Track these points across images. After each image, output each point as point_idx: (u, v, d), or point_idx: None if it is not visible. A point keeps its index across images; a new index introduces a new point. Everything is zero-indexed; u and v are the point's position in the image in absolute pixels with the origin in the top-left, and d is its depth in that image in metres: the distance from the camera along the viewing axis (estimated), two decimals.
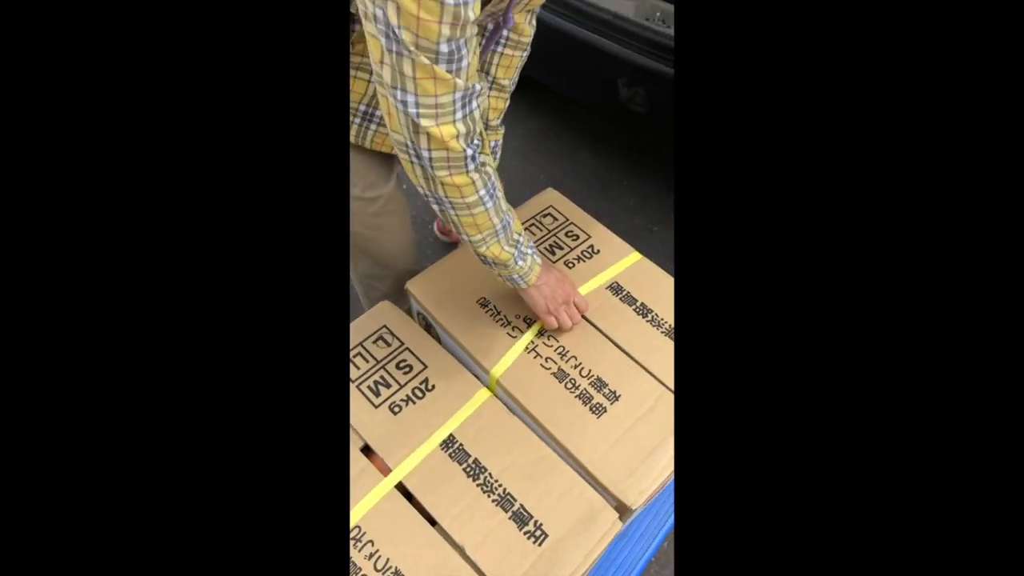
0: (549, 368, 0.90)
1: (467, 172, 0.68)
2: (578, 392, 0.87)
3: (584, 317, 0.95)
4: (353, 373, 0.89)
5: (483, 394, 0.87)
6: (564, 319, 0.90)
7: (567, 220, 1.11)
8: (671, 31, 1.29)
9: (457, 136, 0.64)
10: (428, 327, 1.01)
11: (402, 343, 0.92)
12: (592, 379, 0.88)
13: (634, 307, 0.97)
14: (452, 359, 0.91)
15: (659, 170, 1.86)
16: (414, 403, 0.86)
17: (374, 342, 0.92)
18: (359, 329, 0.94)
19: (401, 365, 0.90)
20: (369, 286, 1.17)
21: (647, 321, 0.95)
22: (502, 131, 1.07)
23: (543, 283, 0.88)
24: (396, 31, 0.55)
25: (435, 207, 0.73)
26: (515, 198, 1.00)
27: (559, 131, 1.96)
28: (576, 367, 0.90)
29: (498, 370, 0.89)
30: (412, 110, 0.60)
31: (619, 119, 1.71)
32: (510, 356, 0.90)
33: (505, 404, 0.89)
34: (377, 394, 0.87)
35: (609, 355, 0.92)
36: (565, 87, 1.66)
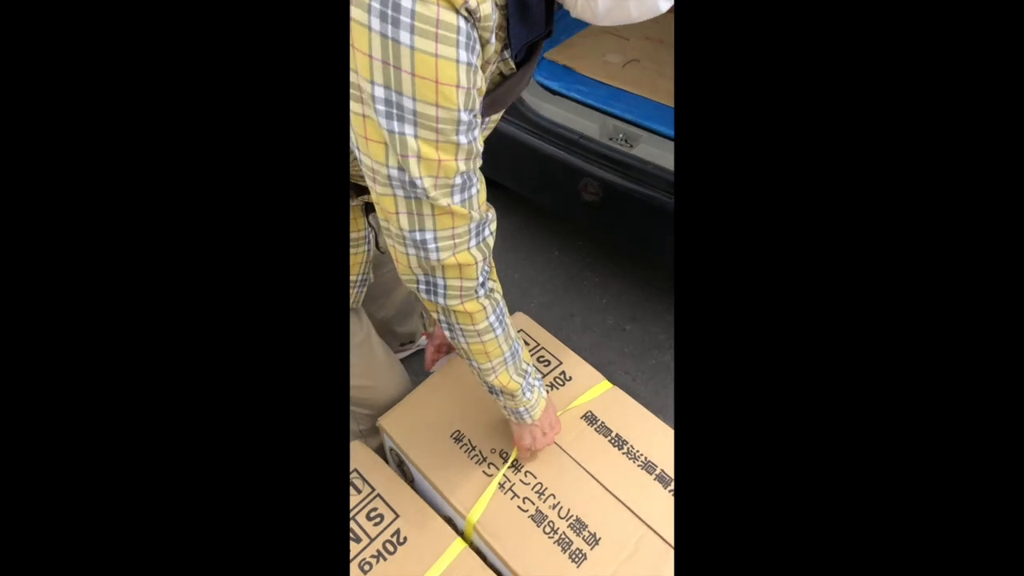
0: (527, 510, 0.88)
1: (477, 299, 0.69)
2: (557, 537, 0.85)
3: (561, 448, 0.94)
4: None
5: (457, 546, 0.84)
6: (538, 452, 0.89)
7: (538, 344, 1.12)
8: (632, 151, 1.34)
9: (474, 263, 0.66)
10: (401, 464, 0.98)
11: (373, 489, 0.89)
12: (571, 520, 0.87)
13: (609, 438, 0.96)
14: (425, 505, 0.89)
15: (629, 268, 1.90)
16: (385, 559, 0.83)
17: None
18: None
19: (372, 515, 0.87)
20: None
21: (623, 453, 0.95)
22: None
23: (543, 422, 0.87)
24: (417, 181, 0.57)
25: (447, 333, 0.74)
26: None
27: (531, 230, 2.00)
28: (554, 507, 0.88)
29: (474, 515, 0.87)
30: (431, 245, 0.63)
31: (586, 218, 1.76)
32: (485, 497, 0.88)
33: (480, 551, 0.86)
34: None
35: (588, 490, 0.90)
36: (533, 193, 1.71)
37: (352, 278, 0.92)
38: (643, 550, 0.83)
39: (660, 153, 1.33)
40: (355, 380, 0.95)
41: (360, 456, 0.93)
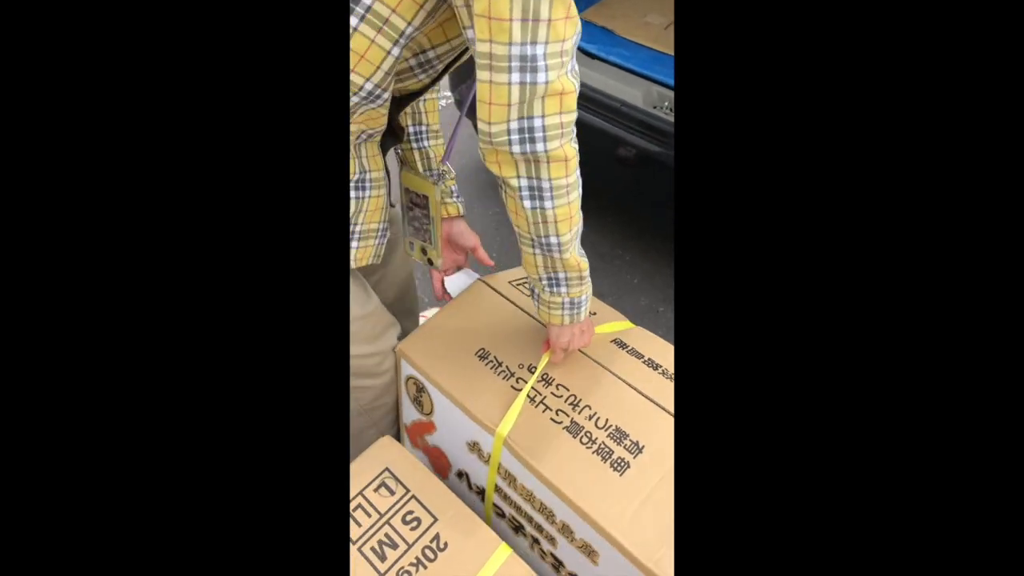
0: (560, 422, 0.79)
1: (573, 142, 0.64)
2: (595, 447, 0.76)
3: (593, 359, 0.86)
4: (354, 531, 0.78)
5: (503, 552, 0.77)
6: (571, 353, 0.85)
7: None
8: None
9: (573, 91, 0.61)
10: (420, 392, 0.90)
11: (407, 490, 0.82)
12: (610, 430, 0.77)
13: (643, 360, 0.88)
14: (464, 507, 0.81)
15: (660, 247, 1.80)
16: (424, 567, 0.76)
17: (375, 490, 0.82)
18: (358, 474, 0.83)
19: (408, 519, 0.79)
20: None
21: (659, 373, 0.86)
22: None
23: (585, 323, 0.82)
24: (540, 52, 0.56)
25: (529, 205, 0.67)
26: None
27: None
28: (591, 417, 0.79)
29: (504, 428, 0.78)
30: (541, 63, 0.58)
31: (618, 195, 1.66)
32: (514, 410, 0.79)
33: (511, 472, 0.79)
34: (383, 557, 0.76)
35: (626, 400, 0.81)
36: None
37: (372, 225, 0.84)
38: None
39: None
40: (363, 348, 0.87)
41: (391, 453, 0.86)
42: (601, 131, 1.31)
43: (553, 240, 0.71)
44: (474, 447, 0.85)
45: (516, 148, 0.61)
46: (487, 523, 0.89)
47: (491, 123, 0.60)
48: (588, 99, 1.29)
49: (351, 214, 0.82)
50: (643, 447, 0.76)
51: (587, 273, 0.78)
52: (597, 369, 0.85)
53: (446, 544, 0.77)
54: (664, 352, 0.90)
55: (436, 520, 0.79)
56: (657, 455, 0.75)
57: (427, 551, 0.77)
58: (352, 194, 0.80)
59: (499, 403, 0.81)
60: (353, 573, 0.74)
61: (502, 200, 0.72)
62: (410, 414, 0.98)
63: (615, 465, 0.75)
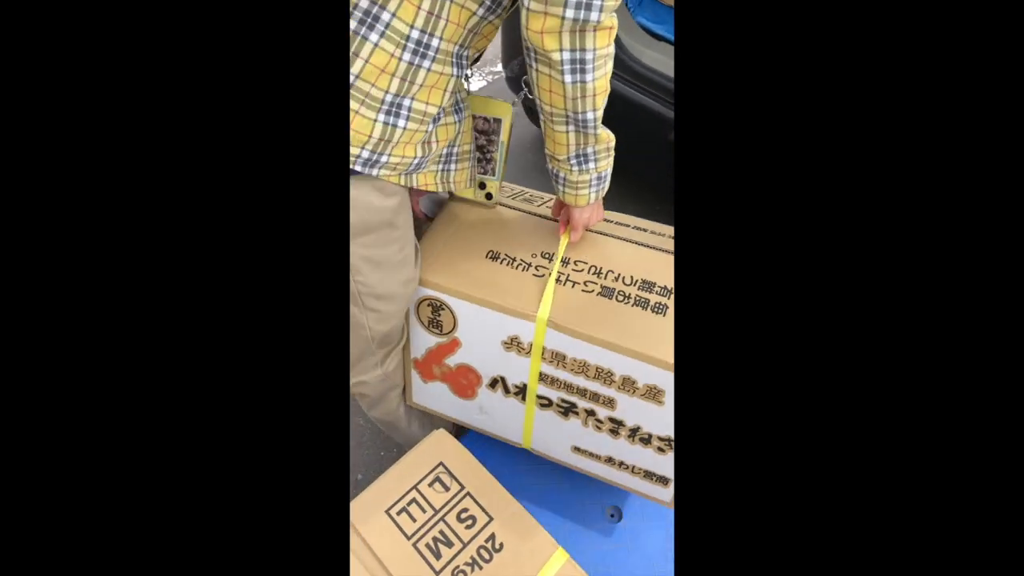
0: (592, 291, 0.81)
1: (614, 14, 0.64)
2: (632, 301, 0.80)
3: (604, 233, 0.89)
4: (409, 527, 0.77)
5: (560, 557, 0.76)
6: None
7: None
8: None
9: None
10: (437, 311, 0.89)
11: (462, 487, 0.81)
12: (638, 283, 0.82)
13: (630, 226, 0.94)
14: (520, 508, 0.80)
15: None
16: (480, 567, 0.75)
17: (430, 485, 0.81)
18: (412, 467, 0.82)
19: (463, 517, 0.78)
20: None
21: (648, 232, 0.91)
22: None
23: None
24: None
25: (572, 79, 0.65)
26: None
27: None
28: (617, 279, 0.82)
29: (543, 312, 0.80)
30: None
31: (661, 178, 1.60)
32: (548, 294, 0.81)
33: (560, 351, 0.81)
34: (438, 555, 0.75)
35: (639, 256, 0.85)
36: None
37: (466, 147, 0.82)
38: None
39: None
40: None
41: (446, 447, 0.84)
42: (665, 121, 1.25)
43: (589, 115, 0.70)
44: (512, 343, 0.85)
45: (570, 13, 0.60)
46: (529, 421, 0.92)
47: None
48: (652, 83, 1.23)
49: (452, 137, 0.78)
50: (671, 289, 0.81)
51: (612, 144, 0.77)
52: (601, 238, 0.88)
53: (502, 545, 0.76)
54: (644, 222, 0.94)
55: (491, 520, 0.78)
56: (670, 280, 0.82)
57: (483, 551, 0.76)
58: (453, 118, 0.77)
59: (529, 292, 0.82)
60: (409, 570, 0.74)
61: (531, 87, 0.71)
62: (423, 344, 0.93)
63: (655, 310, 0.79)
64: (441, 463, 0.83)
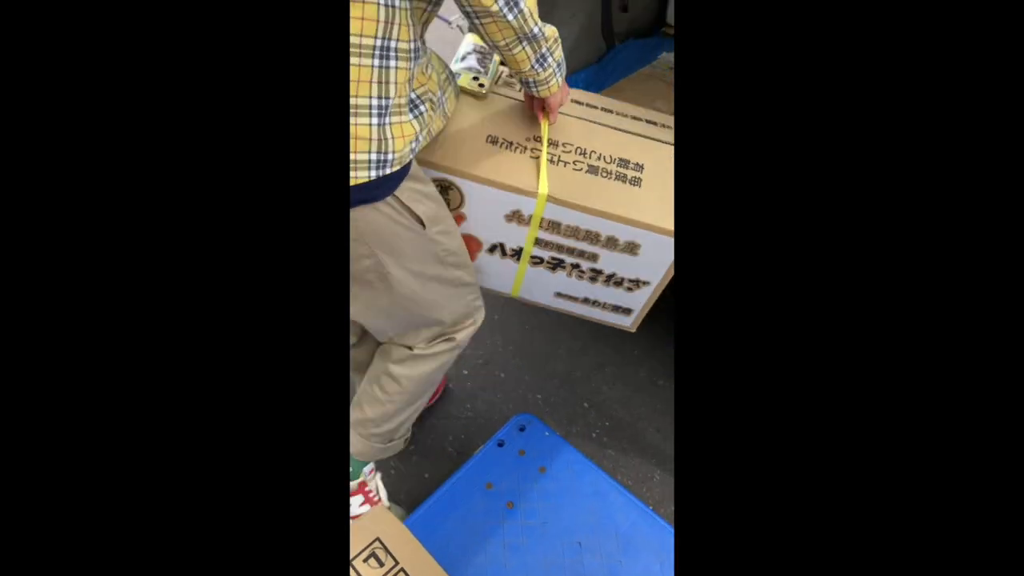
0: (581, 169, 0.98)
1: None
2: (613, 176, 0.98)
3: (581, 118, 1.06)
4: None
5: None
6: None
7: None
8: None
9: None
10: (446, 190, 0.99)
11: (396, 562, 0.83)
12: (616, 161, 1.00)
13: (597, 108, 1.09)
14: None
15: (663, 320, 1.83)
16: None
17: (365, 560, 0.83)
18: (349, 543, 0.85)
19: None
20: None
21: (615, 115, 1.09)
22: None
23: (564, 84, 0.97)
24: None
25: (511, 17, 0.79)
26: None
27: None
28: (599, 157, 1.00)
29: (543, 188, 0.95)
30: None
31: None
32: (544, 173, 0.96)
33: (557, 221, 0.98)
34: None
35: (612, 137, 1.03)
36: None
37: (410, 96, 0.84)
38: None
39: None
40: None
41: (383, 525, 0.87)
42: None
43: (535, 29, 0.83)
44: (514, 216, 1.00)
45: None
46: (520, 276, 1.12)
47: None
48: None
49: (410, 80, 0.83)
50: (642, 164, 1.01)
51: (557, 33, 0.89)
52: (578, 123, 1.05)
53: None
54: (610, 103, 1.12)
55: None
56: (655, 166, 1.01)
57: None
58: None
59: (528, 172, 0.97)
60: None
61: (481, 36, 0.84)
62: None
63: (632, 183, 0.99)
64: (377, 538, 0.86)
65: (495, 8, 0.77)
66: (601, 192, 0.96)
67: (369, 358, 1.11)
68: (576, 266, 1.07)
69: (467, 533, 1.05)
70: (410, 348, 1.02)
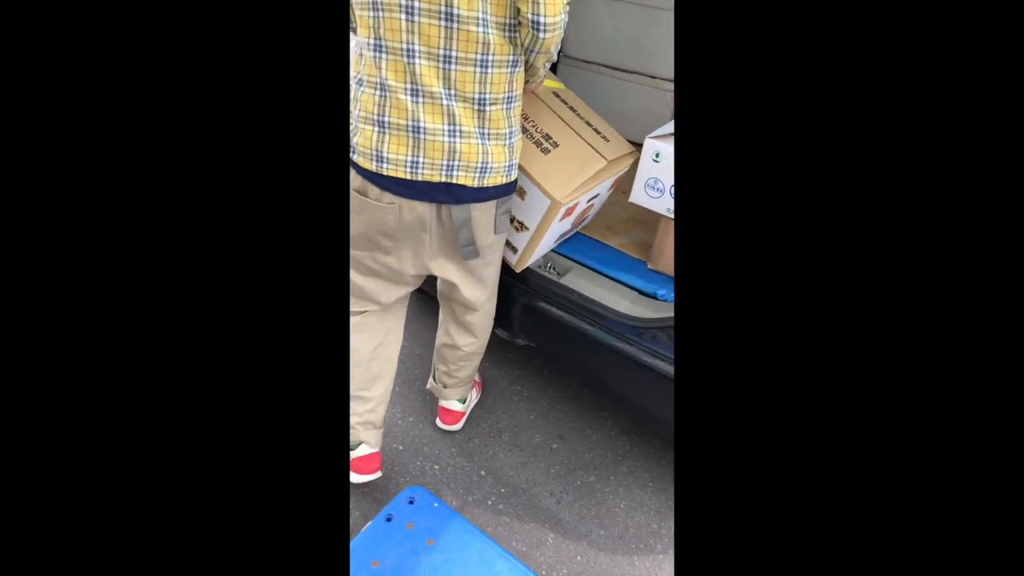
0: (533, 138, 1.28)
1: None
2: (534, 142, 1.26)
3: (552, 109, 1.33)
4: None
5: None
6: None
7: None
8: (561, 279, 1.40)
9: None
10: None
11: None
12: (541, 133, 1.28)
13: (559, 98, 1.38)
14: None
15: (558, 385, 1.92)
16: None
17: None
18: None
19: None
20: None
21: (567, 107, 1.37)
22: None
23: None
24: None
25: (543, 62, 1.10)
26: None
27: None
28: (537, 129, 1.28)
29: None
30: None
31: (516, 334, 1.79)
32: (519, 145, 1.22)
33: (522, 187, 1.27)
34: None
35: (555, 123, 1.30)
36: None
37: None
38: (584, 154, 1.29)
39: (586, 284, 1.39)
40: None
41: None
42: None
43: (555, 50, 1.07)
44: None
45: (544, 60, 1.11)
46: None
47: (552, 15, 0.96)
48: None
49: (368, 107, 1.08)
50: (558, 144, 1.27)
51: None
52: (547, 110, 1.33)
53: None
54: (579, 105, 1.39)
55: None
56: (565, 150, 1.27)
57: None
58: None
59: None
60: None
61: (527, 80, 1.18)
62: None
63: (543, 151, 1.26)
64: None
65: (538, 63, 1.09)
66: (528, 155, 1.24)
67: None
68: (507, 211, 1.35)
69: None
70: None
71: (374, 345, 1.36)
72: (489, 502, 1.54)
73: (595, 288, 1.38)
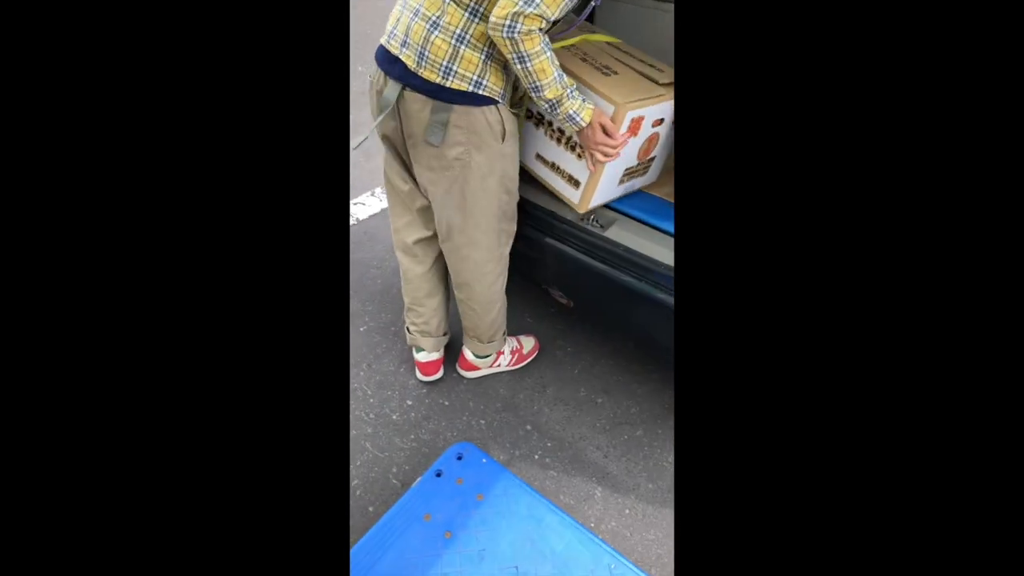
0: (586, 61, 1.33)
1: (541, 36, 1.07)
2: (596, 68, 1.30)
3: (609, 54, 1.36)
4: None
5: None
6: (599, 155, 1.24)
7: None
8: (605, 233, 1.35)
9: (542, 18, 1.04)
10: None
11: None
12: (602, 66, 1.31)
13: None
14: None
15: (600, 339, 1.89)
16: None
17: None
18: None
19: None
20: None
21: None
22: None
23: (595, 123, 1.20)
24: None
25: (518, 66, 1.09)
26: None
27: None
28: (596, 62, 1.33)
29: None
30: (530, 9, 1.02)
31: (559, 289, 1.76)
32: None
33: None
34: None
35: (613, 61, 1.35)
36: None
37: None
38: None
39: (631, 237, 1.34)
40: None
41: None
42: (533, 241, 1.41)
43: (538, 85, 1.13)
44: None
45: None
46: (521, 132, 1.38)
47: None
48: (524, 211, 1.40)
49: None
50: (616, 72, 1.31)
51: (568, 96, 1.17)
52: (598, 49, 1.39)
53: None
54: (629, 47, 1.42)
55: None
56: (623, 76, 1.30)
57: None
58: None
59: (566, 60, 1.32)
60: None
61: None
62: None
63: (604, 74, 1.30)
64: None
65: (500, 33, 1.06)
66: (585, 70, 1.27)
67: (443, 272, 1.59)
68: (550, 124, 1.35)
69: (405, 568, 1.07)
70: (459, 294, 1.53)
71: (425, 268, 1.54)
72: (536, 456, 1.55)
73: (641, 240, 1.33)
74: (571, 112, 1.16)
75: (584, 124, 1.18)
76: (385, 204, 2.33)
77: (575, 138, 1.27)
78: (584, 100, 1.18)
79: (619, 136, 1.22)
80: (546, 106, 1.15)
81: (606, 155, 1.23)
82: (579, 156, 1.30)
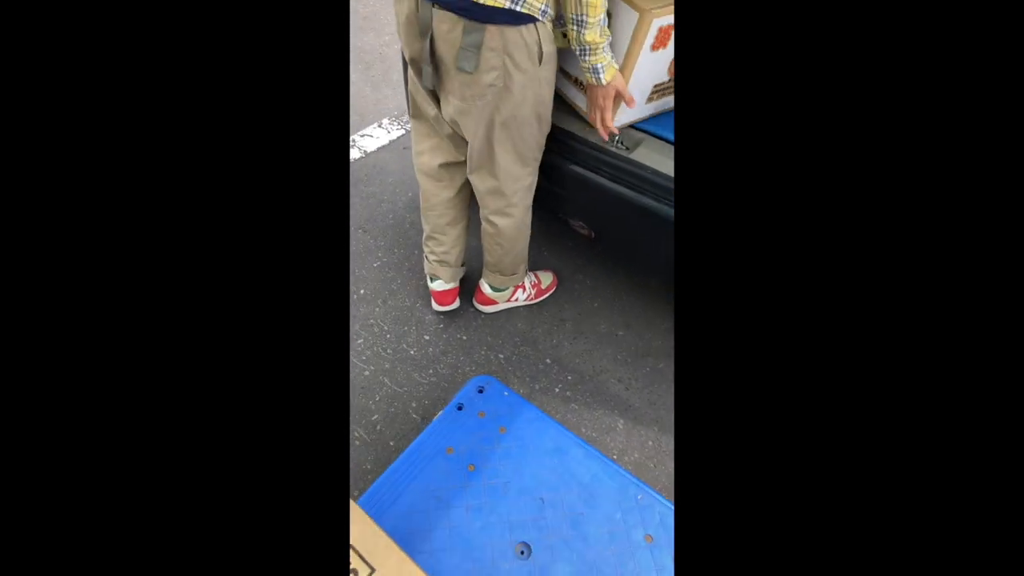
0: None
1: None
2: None
3: None
4: None
5: None
6: (607, 116, 1.20)
7: None
8: (630, 155, 1.27)
9: None
10: None
11: (372, 569, 0.83)
12: None
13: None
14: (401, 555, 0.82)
15: (622, 273, 1.83)
16: None
17: None
18: None
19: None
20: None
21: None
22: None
23: (610, 87, 1.15)
24: None
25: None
26: None
27: None
28: None
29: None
30: None
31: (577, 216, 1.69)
32: None
33: None
34: None
35: None
36: None
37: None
38: None
39: (659, 158, 1.25)
40: None
41: (354, 527, 0.86)
42: (555, 167, 1.33)
43: (585, 20, 1.07)
44: None
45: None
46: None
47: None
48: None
49: None
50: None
51: (604, 48, 1.11)
52: None
53: None
54: None
55: (374, 571, 0.80)
56: None
57: None
58: None
59: None
60: None
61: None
62: None
63: None
64: (352, 546, 0.85)
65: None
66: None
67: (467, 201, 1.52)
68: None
69: (429, 500, 1.06)
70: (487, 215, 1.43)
71: (451, 194, 1.47)
72: (556, 390, 1.53)
73: (669, 162, 1.24)
74: (597, 65, 1.12)
75: (604, 82, 1.13)
76: (394, 136, 2.23)
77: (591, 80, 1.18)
78: (612, 58, 1.13)
79: (620, 108, 1.19)
80: (578, 48, 1.10)
81: (604, 122, 1.20)
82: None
